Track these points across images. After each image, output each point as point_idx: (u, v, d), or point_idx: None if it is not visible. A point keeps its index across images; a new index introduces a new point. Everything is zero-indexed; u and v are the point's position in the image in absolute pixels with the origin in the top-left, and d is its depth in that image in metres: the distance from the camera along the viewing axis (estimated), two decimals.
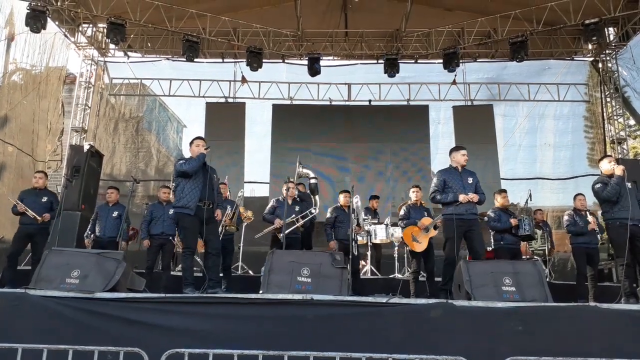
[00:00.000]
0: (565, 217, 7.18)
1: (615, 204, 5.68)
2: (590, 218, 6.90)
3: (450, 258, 5.50)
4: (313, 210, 7.21)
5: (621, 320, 4.04)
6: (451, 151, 6.05)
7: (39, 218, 6.91)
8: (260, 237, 7.41)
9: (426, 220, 6.69)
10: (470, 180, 5.74)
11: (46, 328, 3.98)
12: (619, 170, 5.74)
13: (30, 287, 4.44)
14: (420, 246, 6.62)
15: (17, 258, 6.96)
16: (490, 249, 7.54)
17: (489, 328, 3.97)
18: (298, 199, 7.34)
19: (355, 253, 6.36)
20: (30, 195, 7.17)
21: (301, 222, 6.93)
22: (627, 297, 5.59)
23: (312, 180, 7.49)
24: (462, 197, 5.56)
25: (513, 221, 7.04)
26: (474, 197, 5.59)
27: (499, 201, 7.33)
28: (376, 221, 8.79)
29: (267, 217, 7.17)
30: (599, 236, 7.03)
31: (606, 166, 5.94)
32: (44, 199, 7.14)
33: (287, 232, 6.25)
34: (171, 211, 6.96)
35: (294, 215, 6.94)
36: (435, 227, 6.60)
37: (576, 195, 7.35)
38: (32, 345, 3.35)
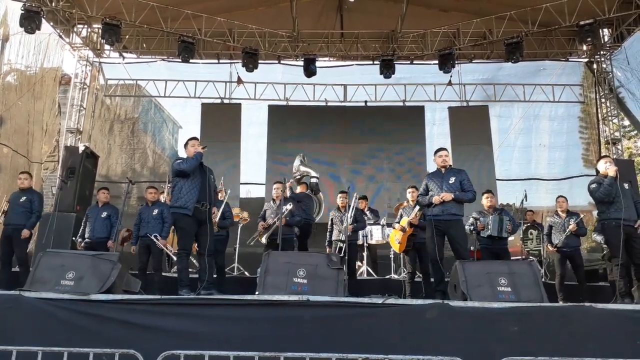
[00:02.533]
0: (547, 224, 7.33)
1: (610, 205, 5.71)
2: (571, 222, 6.96)
3: (433, 259, 5.60)
4: (295, 211, 7.05)
5: (616, 321, 4.05)
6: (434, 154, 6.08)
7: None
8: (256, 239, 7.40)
9: (404, 221, 6.74)
10: (452, 180, 5.70)
11: (41, 330, 3.96)
12: (611, 171, 5.78)
13: (24, 289, 4.41)
14: (400, 246, 6.71)
15: (10, 259, 6.87)
16: (476, 249, 7.56)
17: (485, 328, 3.98)
18: (291, 199, 7.30)
19: (342, 254, 6.31)
20: (12, 196, 7.09)
21: (280, 222, 6.60)
22: (622, 297, 5.62)
23: (313, 180, 7.43)
24: (434, 199, 5.60)
25: (480, 225, 7.03)
26: (445, 197, 5.55)
27: (483, 202, 7.35)
28: (372, 222, 8.79)
29: (258, 221, 7.21)
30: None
31: (602, 167, 5.98)
32: (23, 199, 6.94)
33: (271, 232, 6.15)
34: (155, 211, 6.93)
35: (273, 216, 6.90)
36: (411, 225, 6.60)
37: (557, 198, 7.43)
38: (27, 348, 3.33)
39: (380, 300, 4.23)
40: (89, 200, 9.45)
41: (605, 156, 6.73)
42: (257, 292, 4.56)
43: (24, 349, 3.33)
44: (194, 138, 5.62)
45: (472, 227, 7.10)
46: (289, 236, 6.91)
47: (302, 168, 7.09)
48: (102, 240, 7.17)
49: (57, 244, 7.35)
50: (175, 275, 5.83)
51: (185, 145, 5.55)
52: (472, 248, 7.48)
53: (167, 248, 7.00)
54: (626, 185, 5.83)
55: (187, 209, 5.18)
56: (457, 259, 5.19)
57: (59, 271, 4.58)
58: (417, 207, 6.19)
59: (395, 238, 6.89)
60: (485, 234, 6.94)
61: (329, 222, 7.27)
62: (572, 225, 6.90)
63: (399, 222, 6.92)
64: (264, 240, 6.98)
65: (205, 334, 3.99)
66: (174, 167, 5.34)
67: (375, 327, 4.02)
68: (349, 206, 6.86)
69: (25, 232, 6.76)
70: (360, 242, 8.41)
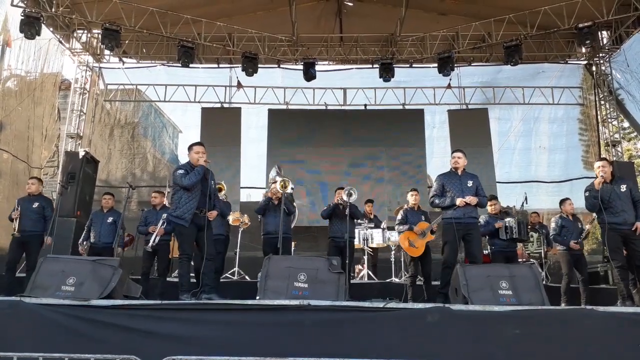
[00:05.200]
0: (552, 225, 7.27)
1: (606, 208, 5.68)
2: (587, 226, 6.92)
3: (449, 262, 5.50)
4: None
5: (618, 323, 4.04)
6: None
7: (15, 233, 6.79)
8: (256, 242, 7.35)
9: (423, 225, 6.69)
10: (470, 183, 5.71)
11: (41, 336, 3.95)
12: (596, 183, 5.75)
13: (25, 294, 4.41)
14: (417, 251, 6.63)
15: (15, 265, 6.91)
16: (487, 252, 7.58)
17: (486, 332, 3.97)
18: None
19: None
20: (24, 202, 7.08)
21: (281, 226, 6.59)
22: (624, 299, 5.59)
23: (289, 190, 7.36)
24: (459, 201, 5.55)
25: (497, 224, 7.05)
26: (472, 200, 5.57)
27: (487, 209, 7.36)
28: (372, 225, 8.78)
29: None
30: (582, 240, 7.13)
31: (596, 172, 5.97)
32: (35, 205, 6.98)
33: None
34: (164, 216, 6.94)
35: None
36: (432, 232, 6.60)
37: (565, 200, 7.38)
38: (27, 354, 3.33)
39: (381, 304, 4.21)
40: (90, 205, 9.45)
41: (601, 159, 6.65)
42: (257, 297, 4.56)
43: (25, 355, 3.32)
44: (199, 144, 5.51)
45: (482, 229, 7.08)
46: (287, 235, 6.85)
47: (278, 178, 7.00)
48: (109, 245, 7.15)
49: (57, 250, 7.33)
50: (176, 280, 5.83)
51: (190, 149, 5.48)
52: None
53: (153, 233, 6.89)
54: (623, 188, 5.77)
55: (184, 220, 5.15)
56: (471, 262, 5.17)
57: (60, 277, 4.57)
58: (441, 216, 6.06)
59: (409, 241, 6.66)
60: (506, 237, 6.93)
61: (328, 211, 7.18)
62: (588, 226, 6.88)
63: (406, 223, 6.75)
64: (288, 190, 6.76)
65: (206, 339, 3.97)
66: (176, 180, 5.26)
67: (376, 331, 4.01)
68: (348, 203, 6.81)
69: (49, 240, 6.95)
70: (360, 245, 8.42)
